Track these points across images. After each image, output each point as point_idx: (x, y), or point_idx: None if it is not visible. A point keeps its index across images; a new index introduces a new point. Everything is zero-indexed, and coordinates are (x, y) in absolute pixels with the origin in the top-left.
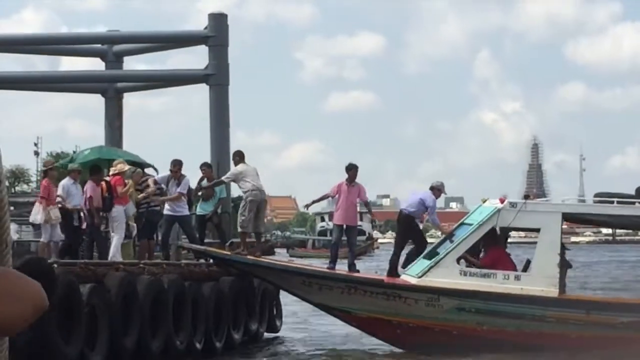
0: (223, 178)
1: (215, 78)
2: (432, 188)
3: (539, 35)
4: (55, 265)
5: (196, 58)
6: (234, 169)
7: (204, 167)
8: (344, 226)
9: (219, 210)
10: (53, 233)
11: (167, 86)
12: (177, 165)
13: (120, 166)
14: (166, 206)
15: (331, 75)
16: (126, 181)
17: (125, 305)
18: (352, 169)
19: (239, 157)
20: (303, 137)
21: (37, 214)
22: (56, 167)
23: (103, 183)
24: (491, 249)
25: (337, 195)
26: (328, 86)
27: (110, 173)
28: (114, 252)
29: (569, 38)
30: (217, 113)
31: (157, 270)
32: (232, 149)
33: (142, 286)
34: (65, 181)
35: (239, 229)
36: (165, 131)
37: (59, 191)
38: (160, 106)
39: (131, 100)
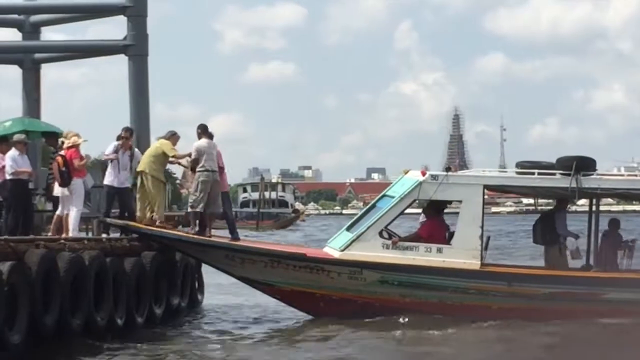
0: (191, 155)
1: (134, 49)
2: None
3: (459, 6)
4: None
5: (115, 29)
6: (196, 143)
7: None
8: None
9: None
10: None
11: (86, 57)
12: (128, 131)
13: (74, 139)
14: (108, 177)
15: (251, 46)
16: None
17: (46, 283)
18: (199, 129)
19: (201, 130)
20: (223, 109)
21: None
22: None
23: (59, 157)
24: (430, 220)
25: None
26: (247, 57)
27: (65, 146)
28: (74, 225)
29: (488, 10)
30: (136, 84)
31: (79, 246)
32: (152, 120)
33: (63, 263)
34: (12, 152)
35: (189, 208)
36: (84, 102)
37: (7, 162)
38: (79, 77)
39: (49, 72)
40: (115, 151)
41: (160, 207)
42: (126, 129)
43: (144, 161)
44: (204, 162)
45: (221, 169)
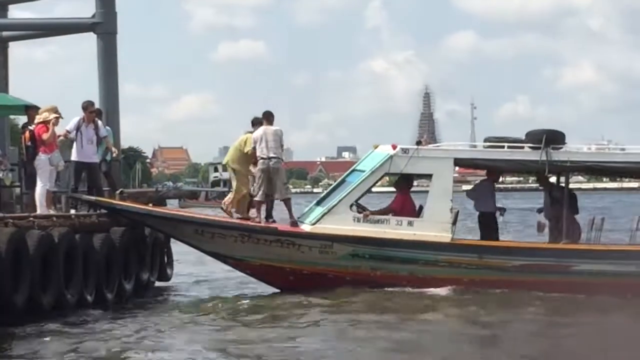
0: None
1: (103, 27)
2: None
3: None
4: None
5: (83, 6)
6: (255, 132)
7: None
8: None
9: (108, 158)
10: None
11: (54, 35)
12: (91, 105)
13: (45, 114)
14: (73, 153)
15: (221, 24)
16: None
17: (15, 262)
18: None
19: (263, 117)
20: (193, 88)
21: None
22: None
23: (27, 132)
24: (401, 194)
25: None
26: (218, 35)
27: (35, 121)
28: (40, 200)
29: None
30: (105, 62)
31: (48, 223)
32: (121, 99)
33: (32, 241)
34: None
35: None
36: (52, 80)
37: None
38: (47, 55)
39: (17, 50)
40: (77, 126)
41: (243, 198)
42: (88, 103)
43: (229, 153)
44: (259, 151)
45: None
